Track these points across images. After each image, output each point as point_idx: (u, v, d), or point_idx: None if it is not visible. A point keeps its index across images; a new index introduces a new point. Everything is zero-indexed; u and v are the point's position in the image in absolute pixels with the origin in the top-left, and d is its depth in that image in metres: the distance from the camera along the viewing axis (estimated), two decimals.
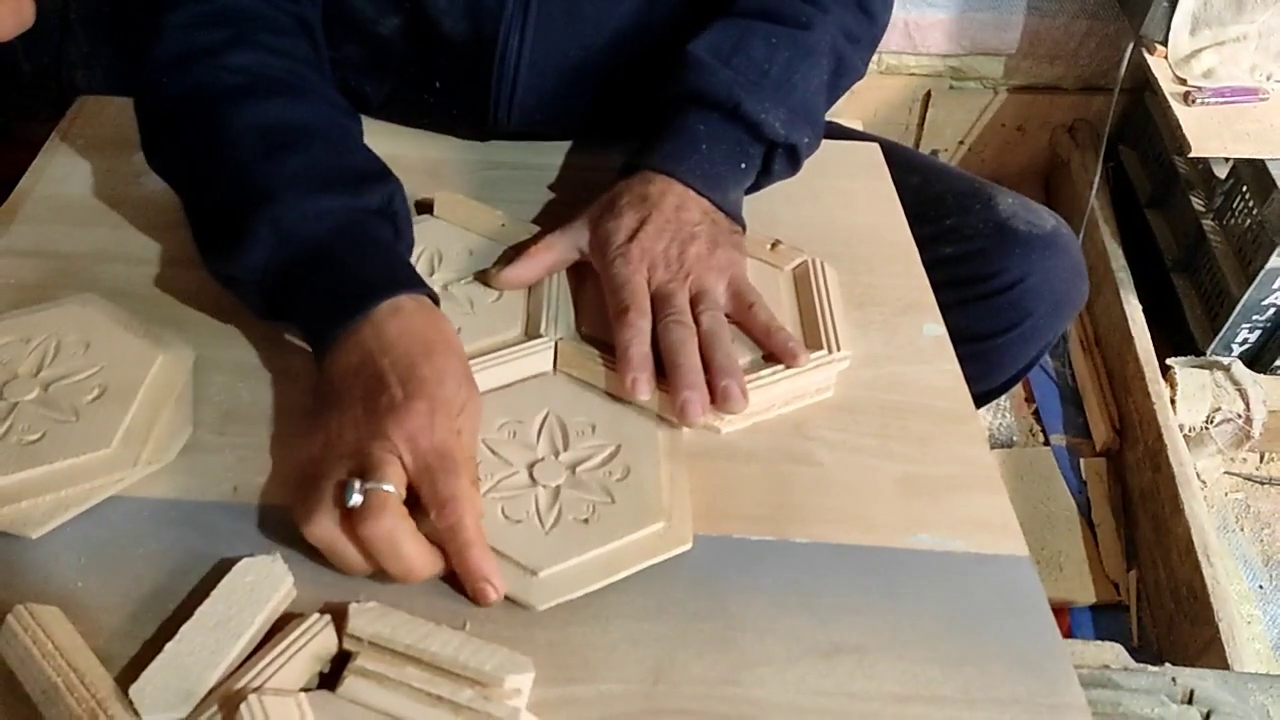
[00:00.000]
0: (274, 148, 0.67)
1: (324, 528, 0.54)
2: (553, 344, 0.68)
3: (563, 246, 0.73)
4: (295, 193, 0.65)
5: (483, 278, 0.73)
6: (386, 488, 0.54)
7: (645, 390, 0.64)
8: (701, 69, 0.76)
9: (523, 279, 0.72)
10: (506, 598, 0.55)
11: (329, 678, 0.51)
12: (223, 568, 0.54)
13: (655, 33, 0.83)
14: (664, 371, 0.65)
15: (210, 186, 0.68)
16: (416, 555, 0.54)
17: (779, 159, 0.78)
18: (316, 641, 0.51)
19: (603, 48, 0.83)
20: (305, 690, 0.49)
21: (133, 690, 0.48)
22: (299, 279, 0.64)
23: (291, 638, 0.50)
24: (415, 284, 0.64)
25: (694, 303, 0.69)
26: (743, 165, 0.77)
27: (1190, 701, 0.81)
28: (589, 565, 0.56)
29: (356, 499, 0.53)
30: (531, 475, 0.61)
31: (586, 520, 0.58)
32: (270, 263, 0.64)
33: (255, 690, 0.47)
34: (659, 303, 0.68)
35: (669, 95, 0.78)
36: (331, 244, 0.65)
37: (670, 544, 0.58)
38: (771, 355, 0.68)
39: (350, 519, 0.53)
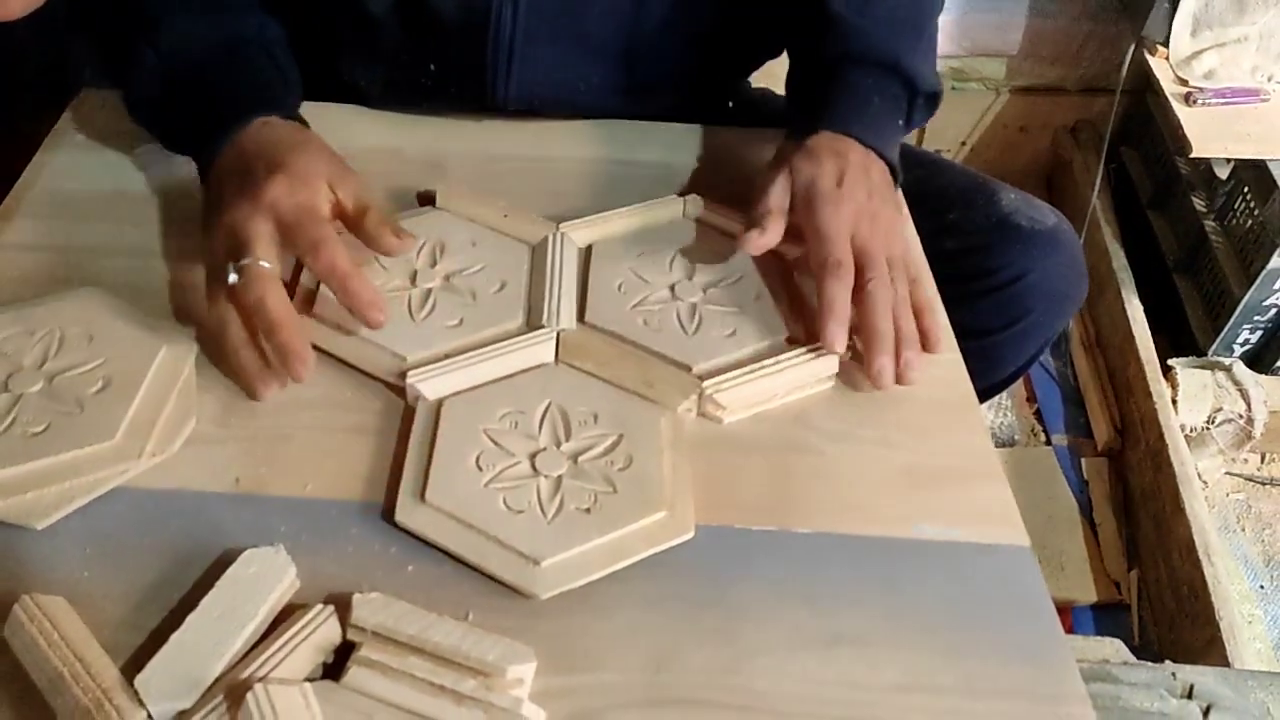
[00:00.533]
0: None
1: (217, 311, 0.62)
2: (554, 335, 0.68)
3: (783, 206, 0.73)
4: (173, 17, 0.73)
5: (739, 245, 0.72)
6: (262, 264, 0.61)
7: (841, 343, 0.66)
8: (850, 27, 0.78)
9: (770, 244, 0.72)
10: (509, 586, 0.55)
11: (332, 668, 0.51)
12: (226, 559, 0.54)
13: (652, 7, 0.83)
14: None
15: (112, 25, 0.77)
16: (278, 308, 0.60)
17: (920, 107, 0.81)
18: (320, 632, 0.51)
19: (602, 17, 0.82)
20: (309, 680, 0.49)
21: (138, 680, 0.48)
22: (182, 103, 0.72)
23: (295, 628, 0.50)
24: (285, 106, 0.72)
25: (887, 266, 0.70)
26: (900, 121, 0.79)
27: (1190, 696, 0.81)
28: (591, 554, 0.57)
29: (233, 277, 0.61)
30: (533, 465, 0.61)
31: (588, 510, 0.58)
32: (158, 87, 0.73)
33: (260, 680, 0.48)
34: (862, 259, 0.69)
35: (826, 56, 0.79)
36: (205, 64, 0.73)
37: (672, 533, 0.58)
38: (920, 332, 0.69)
39: (234, 296, 0.61)
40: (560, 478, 0.60)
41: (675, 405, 0.65)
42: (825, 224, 0.69)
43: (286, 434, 0.63)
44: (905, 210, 0.78)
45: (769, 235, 0.71)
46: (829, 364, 0.68)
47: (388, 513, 0.58)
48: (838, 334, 0.66)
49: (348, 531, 0.58)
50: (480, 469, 0.60)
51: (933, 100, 0.82)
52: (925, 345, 0.69)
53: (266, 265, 0.61)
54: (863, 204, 0.71)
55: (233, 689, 0.48)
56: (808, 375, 0.67)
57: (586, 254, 0.75)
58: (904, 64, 0.78)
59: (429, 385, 0.64)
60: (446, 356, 0.66)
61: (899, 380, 0.66)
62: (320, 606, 0.52)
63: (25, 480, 0.58)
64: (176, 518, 0.58)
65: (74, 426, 0.60)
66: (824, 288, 0.67)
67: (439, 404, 0.64)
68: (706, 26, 0.85)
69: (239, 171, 0.66)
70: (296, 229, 0.63)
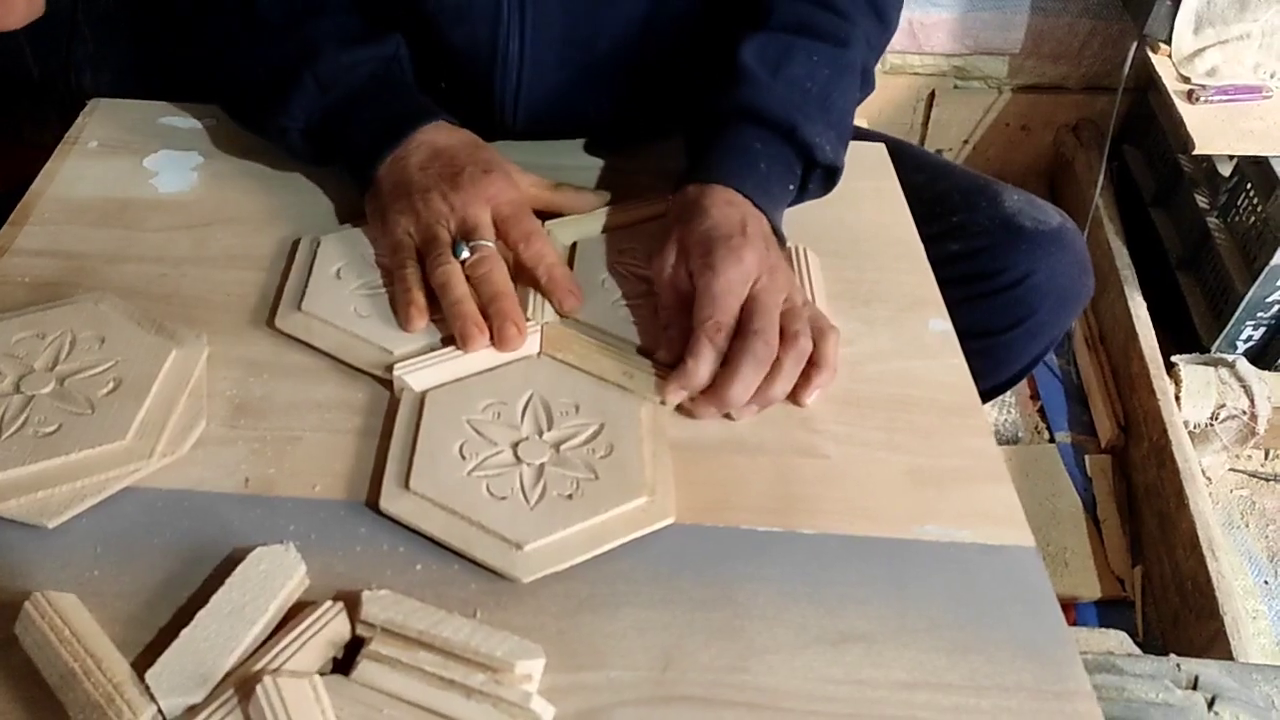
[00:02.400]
0: (300, 14, 0.80)
1: (447, 269, 0.69)
2: (539, 328, 0.70)
3: (669, 273, 0.70)
4: (331, 48, 0.78)
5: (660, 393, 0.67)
6: (487, 243, 0.71)
7: (674, 401, 0.65)
8: (756, 84, 0.75)
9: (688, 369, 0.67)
10: (493, 570, 0.56)
11: (342, 664, 0.51)
12: (235, 557, 0.55)
13: (663, 30, 0.83)
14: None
15: (254, 55, 0.80)
16: (504, 283, 0.69)
17: (815, 179, 0.78)
18: (330, 628, 0.51)
19: (607, 47, 0.83)
20: (320, 675, 0.50)
21: (149, 675, 0.48)
22: (344, 120, 0.77)
23: (305, 624, 0.51)
24: (445, 114, 0.79)
25: (786, 317, 0.66)
26: (790, 186, 0.76)
27: (1195, 688, 0.81)
28: (573, 539, 0.57)
29: (466, 254, 0.70)
30: (516, 454, 0.62)
31: (570, 496, 0.59)
32: (315, 109, 0.77)
33: (271, 674, 0.48)
34: (750, 307, 0.66)
35: (723, 108, 0.76)
36: (367, 88, 0.78)
37: (653, 518, 0.59)
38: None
39: (461, 266, 0.70)
40: (542, 465, 0.61)
41: (655, 396, 0.66)
42: (719, 278, 0.66)
43: (296, 435, 0.63)
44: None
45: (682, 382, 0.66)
46: None
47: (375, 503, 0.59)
48: (678, 396, 0.65)
49: (356, 531, 0.58)
50: (464, 457, 0.61)
51: (831, 174, 0.78)
52: (796, 394, 0.66)
53: (491, 245, 0.71)
54: (762, 254, 0.68)
55: (244, 682, 0.48)
56: None
57: (571, 251, 0.76)
58: (800, 132, 0.74)
59: (415, 378, 0.65)
60: (432, 350, 0.67)
61: (735, 416, 0.65)
62: (330, 603, 0.52)
63: (37, 479, 0.58)
64: (186, 518, 0.58)
65: (85, 427, 0.61)
66: (694, 347, 0.64)
67: (423, 395, 0.65)
68: (715, 48, 0.85)
69: (445, 166, 0.74)
70: (512, 220, 0.73)
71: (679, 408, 0.66)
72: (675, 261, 0.70)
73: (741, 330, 0.65)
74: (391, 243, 0.73)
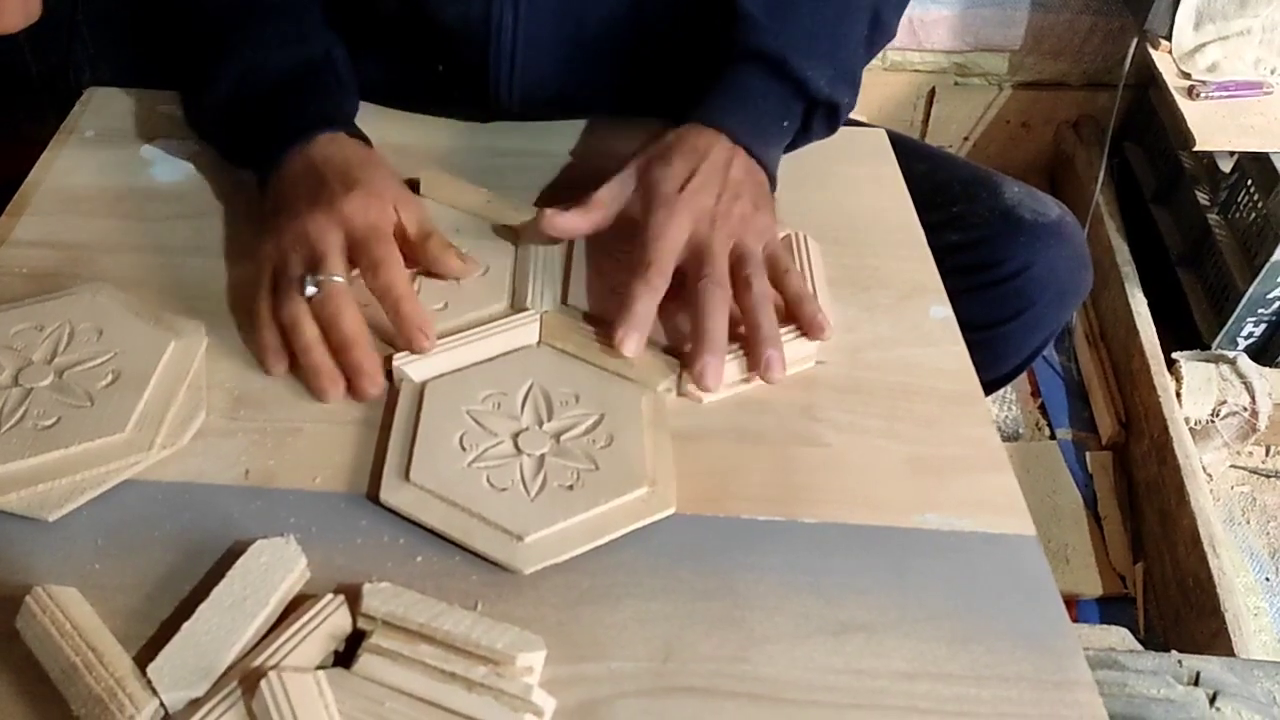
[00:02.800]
0: (241, 13, 0.78)
1: (292, 309, 0.64)
2: (538, 317, 0.69)
3: (612, 200, 0.73)
4: (249, 47, 0.76)
5: (532, 223, 0.73)
6: (335, 278, 0.65)
7: (634, 348, 0.65)
8: (751, 24, 0.77)
9: (572, 229, 0.73)
10: (494, 562, 0.56)
11: (344, 657, 0.51)
12: (236, 550, 0.54)
13: (658, 9, 0.83)
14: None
15: (188, 49, 0.81)
16: (351, 325, 0.64)
17: (818, 117, 0.79)
18: (331, 621, 0.51)
19: (602, 21, 0.83)
20: (321, 668, 0.50)
21: (151, 669, 0.48)
22: (252, 117, 0.75)
23: (306, 617, 0.51)
24: (351, 127, 0.76)
25: (736, 264, 0.68)
26: (785, 123, 0.77)
27: (1196, 684, 0.81)
28: (574, 529, 0.57)
29: (310, 290, 0.64)
30: (516, 444, 0.61)
31: (571, 487, 0.59)
32: (230, 103, 0.76)
33: (273, 668, 0.48)
34: (697, 258, 0.68)
35: (720, 50, 0.78)
36: (280, 88, 0.76)
37: (654, 508, 0.59)
38: (798, 326, 0.68)
39: (309, 304, 0.64)
40: (543, 456, 0.61)
41: (655, 385, 0.66)
42: (651, 227, 0.69)
43: (296, 427, 0.63)
44: (772, 207, 0.75)
45: (569, 218, 0.72)
46: (807, 345, 0.68)
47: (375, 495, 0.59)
48: (628, 337, 0.65)
49: (357, 523, 0.58)
50: (464, 449, 0.61)
51: (833, 112, 0.80)
52: (809, 333, 0.67)
53: (340, 280, 0.65)
54: (705, 207, 0.70)
55: (247, 677, 0.48)
56: (791, 355, 0.67)
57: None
58: (791, 64, 0.75)
59: (415, 368, 0.65)
60: None
61: (767, 378, 0.65)
62: (331, 596, 0.52)
63: (36, 473, 0.58)
64: (187, 510, 0.58)
65: (84, 419, 0.60)
66: (628, 289, 0.66)
67: (422, 386, 0.65)
68: (709, 26, 0.85)
69: (312, 183, 0.70)
70: (363, 245, 0.66)
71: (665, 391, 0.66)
72: (628, 201, 0.72)
73: (694, 285, 0.67)
74: (256, 266, 0.69)
